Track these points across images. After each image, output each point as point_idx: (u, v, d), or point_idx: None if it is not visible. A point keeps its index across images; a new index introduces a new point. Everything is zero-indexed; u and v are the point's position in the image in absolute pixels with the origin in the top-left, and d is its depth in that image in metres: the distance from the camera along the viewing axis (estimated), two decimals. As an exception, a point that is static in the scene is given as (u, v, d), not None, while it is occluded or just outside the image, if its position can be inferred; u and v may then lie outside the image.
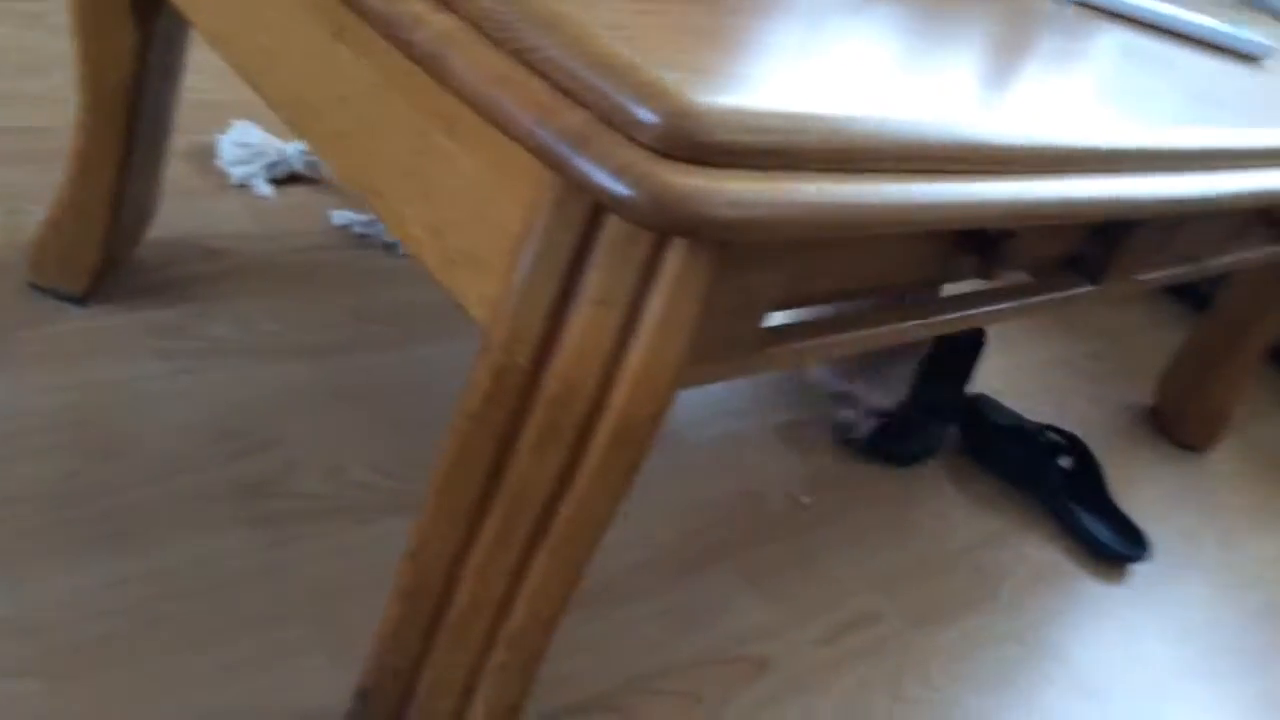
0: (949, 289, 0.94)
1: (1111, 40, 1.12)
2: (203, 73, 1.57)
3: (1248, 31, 1.34)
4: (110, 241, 1.13)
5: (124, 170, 1.09)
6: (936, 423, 1.46)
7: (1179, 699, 1.22)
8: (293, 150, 1.53)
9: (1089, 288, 1.04)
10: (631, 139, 0.50)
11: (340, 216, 1.46)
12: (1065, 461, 1.48)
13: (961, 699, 1.11)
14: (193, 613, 0.88)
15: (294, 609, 0.92)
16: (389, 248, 1.45)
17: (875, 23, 0.80)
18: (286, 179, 1.52)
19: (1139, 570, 1.41)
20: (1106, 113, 0.84)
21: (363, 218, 1.47)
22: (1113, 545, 1.40)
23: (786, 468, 1.34)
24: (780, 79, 0.59)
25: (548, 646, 0.74)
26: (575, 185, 0.52)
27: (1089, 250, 1.04)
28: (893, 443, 1.43)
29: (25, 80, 1.48)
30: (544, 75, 0.53)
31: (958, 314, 0.90)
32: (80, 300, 1.14)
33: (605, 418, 0.60)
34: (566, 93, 0.52)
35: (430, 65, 0.56)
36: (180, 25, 1.06)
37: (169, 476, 0.99)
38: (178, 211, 1.34)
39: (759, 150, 0.53)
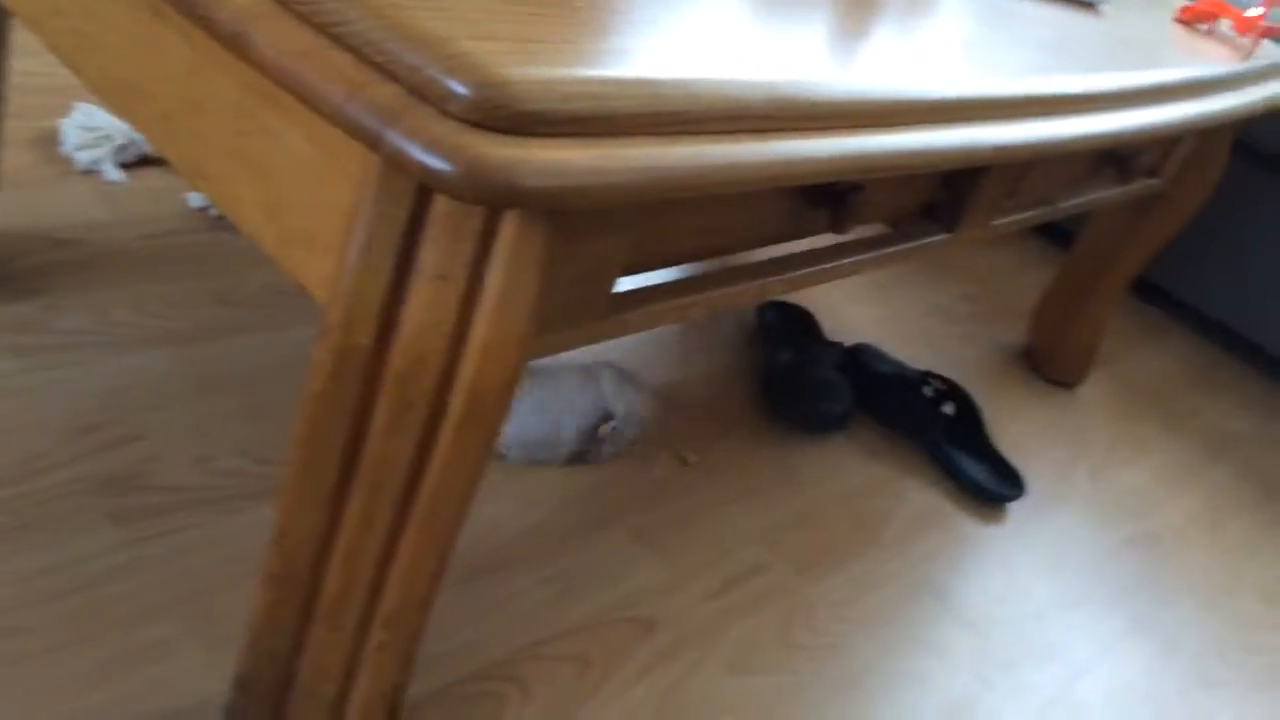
0: (806, 244, 0.95)
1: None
2: (39, 55, 1.50)
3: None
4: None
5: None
6: (835, 375, 1.48)
7: (1055, 626, 1.27)
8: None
9: (944, 235, 1.06)
10: (444, 112, 0.49)
11: (196, 199, 1.42)
12: (948, 408, 1.51)
13: (849, 641, 1.14)
14: (59, 616, 0.86)
15: (165, 604, 0.90)
16: (252, 229, 1.41)
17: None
18: (137, 162, 1.46)
19: (1015, 508, 1.46)
20: (948, 65, 0.85)
21: (223, 199, 1.42)
22: (990, 486, 1.44)
23: (671, 428, 1.35)
24: (605, 47, 0.59)
25: (424, 624, 0.73)
26: (392, 161, 0.51)
27: (942, 199, 1.06)
28: (803, 405, 1.44)
29: None
30: (352, 49, 0.51)
31: (813, 268, 0.91)
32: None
33: (455, 392, 0.60)
34: (376, 67, 0.51)
35: (234, 43, 0.54)
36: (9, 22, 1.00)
37: (27, 477, 0.95)
38: (22, 201, 1.28)
39: (575, 117, 0.52)
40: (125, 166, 1.44)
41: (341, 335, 0.59)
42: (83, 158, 1.41)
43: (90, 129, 1.44)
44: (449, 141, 0.48)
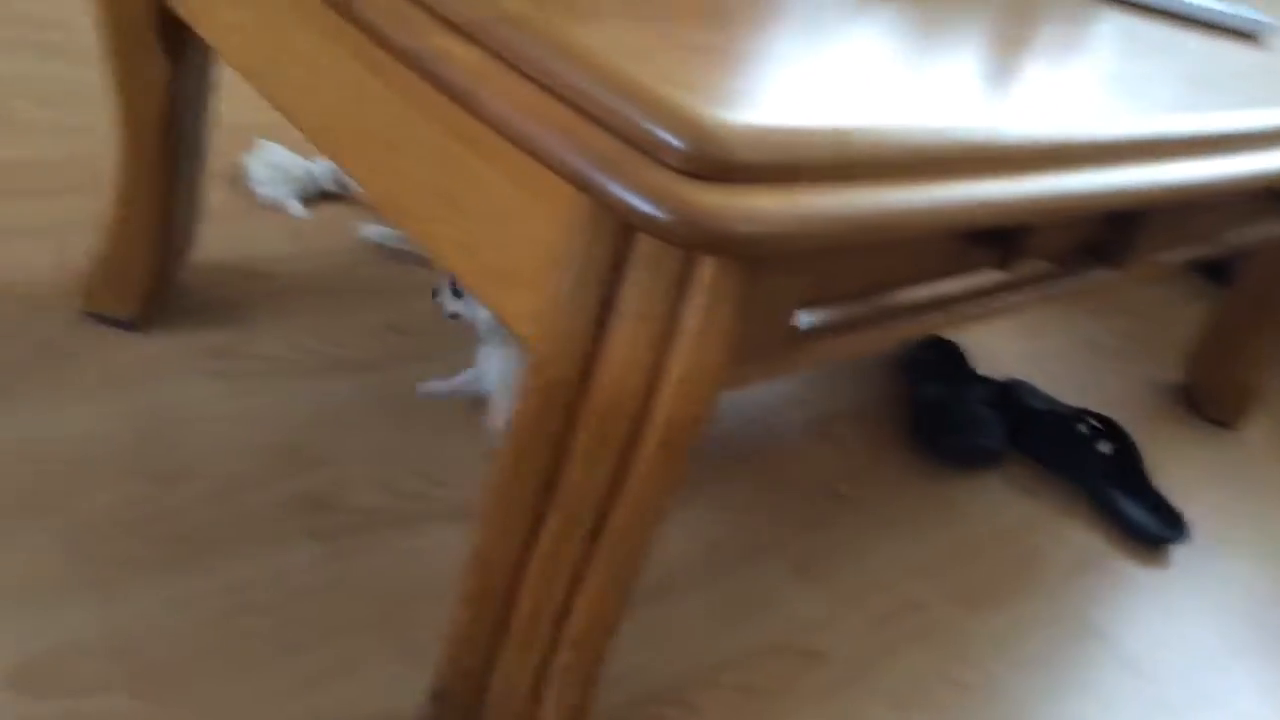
0: (971, 280, 0.96)
1: (1110, 26, 1.13)
2: (226, 96, 1.60)
3: (1245, 9, 1.34)
4: (157, 266, 1.16)
5: (166, 197, 1.12)
6: (986, 411, 1.47)
7: (1222, 674, 1.23)
8: (319, 168, 1.57)
9: (1109, 272, 1.05)
10: (659, 162, 0.52)
11: (370, 231, 1.50)
12: (1105, 446, 1.49)
13: (1011, 681, 1.13)
14: (270, 626, 0.92)
15: (362, 618, 0.95)
16: (420, 260, 1.48)
17: (874, 26, 0.82)
18: (315, 196, 1.56)
19: (1178, 550, 1.42)
20: (1110, 102, 0.85)
21: (392, 232, 1.50)
22: (1151, 528, 1.41)
23: (824, 460, 1.36)
24: (791, 92, 0.61)
25: (608, 647, 0.76)
26: (607, 207, 0.54)
27: (1107, 235, 1.05)
28: (956, 440, 1.44)
29: (55, 111, 1.52)
30: (570, 103, 0.55)
31: (982, 305, 0.91)
32: (133, 326, 1.18)
33: (651, 425, 0.62)
34: (593, 119, 0.54)
35: (460, 97, 0.58)
36: (207, 55, 1.09)
37: (234, 496, 1.03)
38: (215, 234, 1.38)
39: (776, 166, 0.55)
40: (304, 200, 1.53)
41: (550, 369, 0.62)
42: (267, 193, 1.50)
43: (273, 165, 1.54)
44: (665, 190, 0.51)
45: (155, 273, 1.16)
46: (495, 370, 1.19)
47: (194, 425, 1.08)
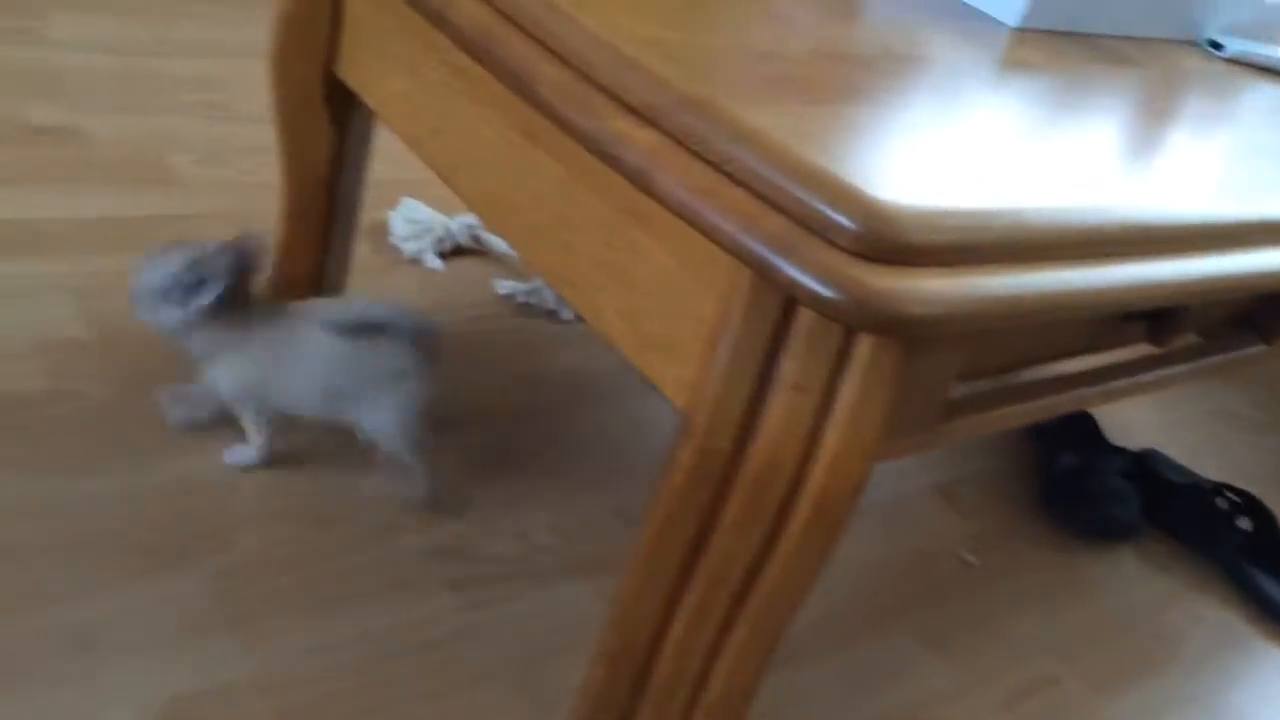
0: (1119, 354, 0.95)
1: (1265, 99, 1.11)
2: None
3: None
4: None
5: (324, 252, 1.18)
6: (1121, 482, 1.43)
7: (1375, 769, 1.18)
8: (456, 224, 1.62)
9: (1261, 347, 1.03)
10: (831, 243, 0.54)
11: (504, 286, 1.54)
12: (1244, 522, 1.44)
13: (1142, 765, 1.09)
14: (409, 672, 0.95)
15: (496, 669, 0.97)
16: (553, 315, 1.52)
17: (1018, 98, 0.82)
18: (453, 252, 1.61)
19: (1323, 632, 1.36)
20: (1270, 179, 0.84)
21: (525, 286, 1.54)
22: (1294, 607, 1.35)
23: (950, 526, 1.35)
24: (954, 172, 0.62)
25: (747, 714, 0.76)
26: (777, 286, 0.56)
27: (1259, 310, 1.03)
28: (1089, 511, 1.41)
29: (211, 167, 1.61)
30: (744, 185, 0.57)
31: (1133, 379, 0.90)
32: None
33: (804, 496, 0.63)
34: (767, 200, 0.56)
35: (635, 177, 0.61)
36: (369, 120, 1.14)
37: (374, 542, 1.06)
38: (359, 286, 1.44)
39: (947, 248, 0.56)
40: (443, 256, 1.58)
41: (704, 438, 0.64)
42: (408, 248, 1.56)
43: (414, 221, 1.59)
44: (839, 272, 0.52)
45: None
46: (227, 382, 1.05)
47: (336, 470, 1.12)
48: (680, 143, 0.60)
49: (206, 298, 0.99)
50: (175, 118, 1.70)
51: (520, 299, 1.53)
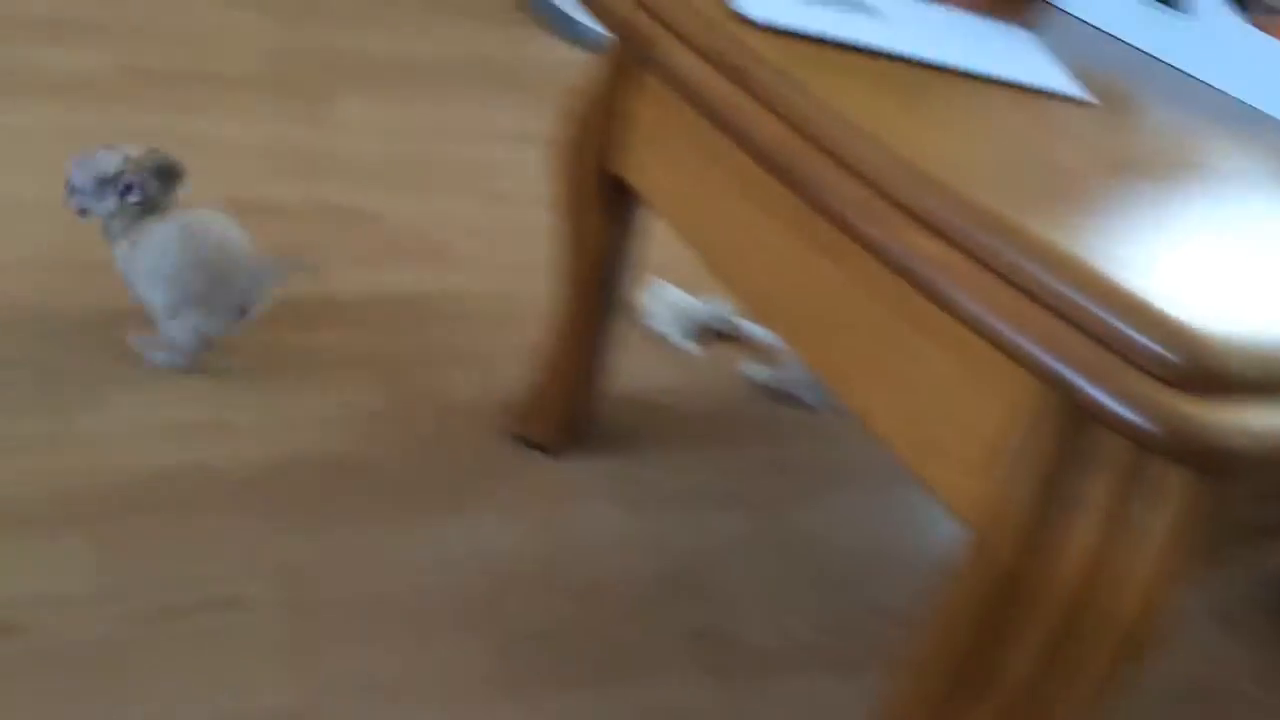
0: None
1: None
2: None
3: None
4: (579, 399, 1.28)
5: (597, 338, 1.24)
6: None
7: None
8: (708, 309, 1.66)
9: None
10: (1144, 371, 0.52)
11: (754, 371, 1.56)
12: None
13: None
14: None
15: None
16: (800, 402, 1.52)
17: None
18: (702, 334, 1.65)
19: None
20: None
21: (776, 373, 1.55)
22: None
23: (1228, 654, 1.25)
24: (1266, 294, 0.59)
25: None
26: (1079, 407, 0.54)
27: None
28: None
29: (487, 248, 1.72)
30: (1048, 306, 0.56)
31: None
32: (550, 450, 1.29)
33: (1110, 624, 0.60)
34: (1072, 322, 0.55)
35: (931, 291, 0.61)
36: (638, 213, 1.19)
37: (633, 618, 1.09)
38: (618, 367, 1.49)
39: (1269, 379, 0.53)
40: (694, 338, 1.62)
41: (992, 555, 0.63)
42: (662, 330, 1.61)
43: (668, 304, 1.64)
44: (1155, 402, 0.51)
45: (576, 404, 1.28)
46: (123, 266, 1.25)
47: (597, 548, 1.16)
48: (975, 257, 0.60)
49: (134, 197, 1.22)
50: (453, 199, 1.83)
51: (770, 385, 1.54)
